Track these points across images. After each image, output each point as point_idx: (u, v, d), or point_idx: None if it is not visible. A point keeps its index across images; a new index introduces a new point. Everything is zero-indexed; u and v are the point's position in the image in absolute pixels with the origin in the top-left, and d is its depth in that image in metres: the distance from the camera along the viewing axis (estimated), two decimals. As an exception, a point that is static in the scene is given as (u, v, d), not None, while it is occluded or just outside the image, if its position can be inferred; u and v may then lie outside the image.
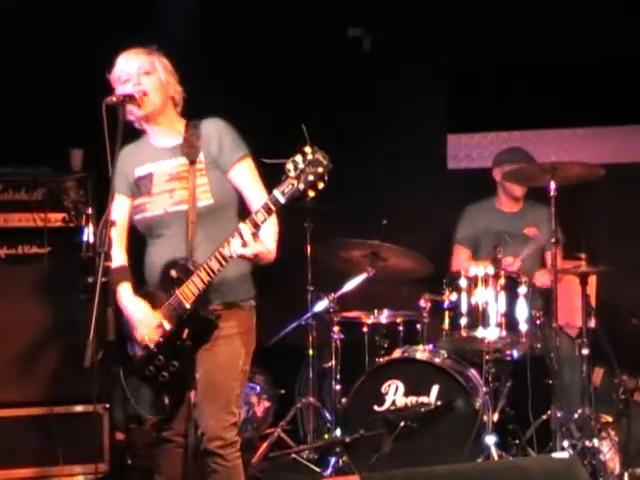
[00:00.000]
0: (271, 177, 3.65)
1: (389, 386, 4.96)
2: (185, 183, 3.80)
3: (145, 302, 3.81)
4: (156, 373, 3.78)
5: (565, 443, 4.79)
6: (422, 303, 5.28)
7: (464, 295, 5.05)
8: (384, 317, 5.55)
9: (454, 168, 6.53)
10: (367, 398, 4.98)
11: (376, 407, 4.96)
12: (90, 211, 3.63)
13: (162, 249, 3.83)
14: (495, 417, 5.00)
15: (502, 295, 5.00)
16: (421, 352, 5.13)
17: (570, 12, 5.99)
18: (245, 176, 3.86)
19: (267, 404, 5.94)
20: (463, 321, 5.04)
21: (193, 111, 3.99)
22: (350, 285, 5.42)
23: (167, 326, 3.75)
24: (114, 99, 3.74)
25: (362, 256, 5.43)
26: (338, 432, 5.13)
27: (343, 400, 5.19)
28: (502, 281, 5.02)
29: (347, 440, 4.94)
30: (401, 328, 5.49)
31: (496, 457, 4.79)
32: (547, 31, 6.04)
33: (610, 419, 5.12)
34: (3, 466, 4.93)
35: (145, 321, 3.77)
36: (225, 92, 6.00)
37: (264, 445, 5.38)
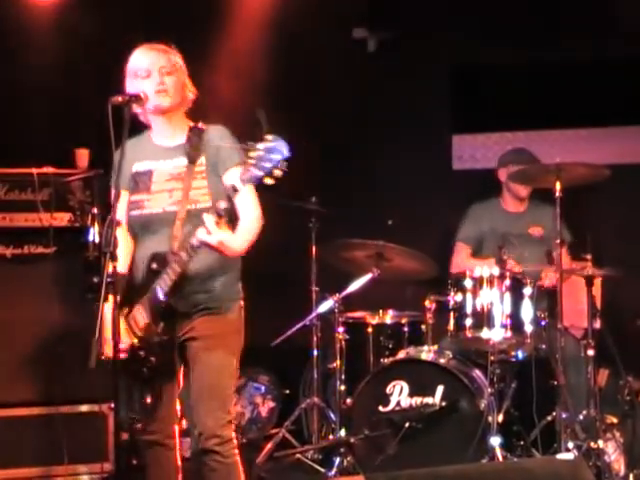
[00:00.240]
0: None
1: (394, 387, 4.96)
2: (189, 185, 3.83)
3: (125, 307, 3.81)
4: (139, 369, 3.79)
5: (570, 444, 4.78)
6: (427, 304, 5.28)
7: (469, 296, 5.04)
8: (389, 318, 5.55)
9: (459, 169, 6.53)
10: (372, 399, 4.99)
11: (381, 408, 4.96)
12: (96, 211, 3.63)
13: (153, 245, 3.84)
14: (500, 418, 4.99)
15: (507, 296, 5.00)
16: (426, 353, 5.13)
17: (574, 13, 5.98)
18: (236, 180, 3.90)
19: (272, 404, 5.94)
20: (468, 322, 5.03)
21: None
22: (355, 286, 5.42)
23: (146, 319, 3.76)
24: (119, 99, 3.76)
25: (367, 257, 5.43)
26: (343, 432, 5.13)
27: (348, 400, 5.19)
28: (507, 282, 5.01)
29: (352, 440, 4.95)
30: (406, 329, 5.49)
31: (501, 458, 4.79)
32: (551, 32, 6.03)
33: (615, 420, 5.10)
34: (8, 465, 4.93)
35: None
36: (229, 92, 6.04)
37: (269, 445, 5.39)
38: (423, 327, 5.33)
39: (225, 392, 3.88)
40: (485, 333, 4.99)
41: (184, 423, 4.05)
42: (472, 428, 4.80)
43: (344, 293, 5.44)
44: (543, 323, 5.09)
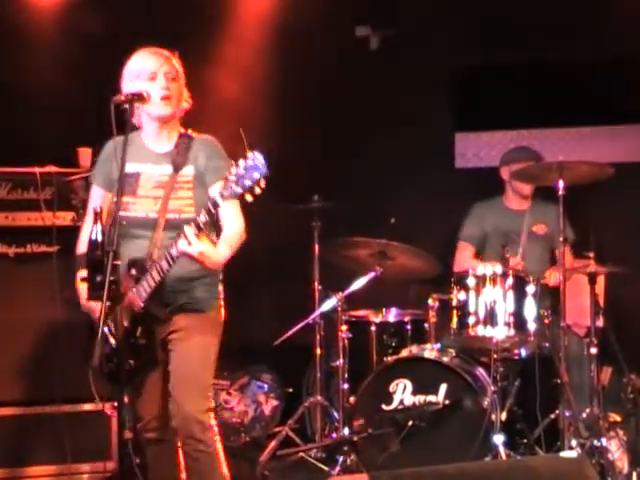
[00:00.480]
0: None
1: (397, 385, 4.96)
2: (170, 193, 3.88)
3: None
4: (115, 370, 3.78)
5: (573, 442, 4.77)
6: (430, 302, 5.28)
7: (472, 294, 5.04)
8: (392, 316, 5.55)
9: (462, 167, 6.53)
10: (375, 397, 4.99)
11: (384, 406, 4.96)
12: (98, 210, 3.63)
13: (133, 248, 3.88)
14: (503, 416, 4.99)
15: (510, 294, 5.00)
16: (429, 351, 5.13)
17: (576, 12, 5.97)
18: None
19: (275, 403, 5.94)
20: (471, 320, 5.03)
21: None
22: (358, 284, 5.41)
23: (124, 324, 3.79)
24: (122, 98, 3.77)
25: (370, 255, 5.43)
26: (346, 431, 5.13)
27: (351, 399, 5.20)
28: (510, 280, 5.01)
29: (355, 439, 4.94)
30: (409, 327, 5.49)
31: (504, 456, 4.79)
32: (555, 30, 6.03)
33: (618, 418, 5.11)
34: (12, 465, 4.93)
35: None
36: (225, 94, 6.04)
37: (272, 444, 5.38)
38: (426, 325, 5.33)
39: (204, 380, 3.93)
40: (488, 331, 4.99)
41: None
42: (475, 426, 4.80)
43: (347, 291, 5.43)
44: (546, 321, 5.08)
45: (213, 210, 3.64)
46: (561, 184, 4.89)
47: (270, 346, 5.58)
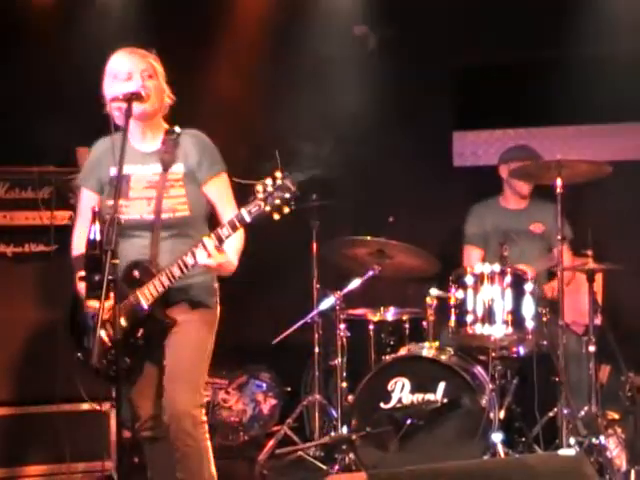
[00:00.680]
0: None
1: (395, 383, 4.97)
2: (162, 192, 3.87)
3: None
4: (107, 367, 3.80)
5: (572, 440, 4.78)
6: (428, 300, 5.28)
7: (470, 292, 5.04)
8: (390, 315, 5.55)
9: (460, 166, 6.53)
10: (373, 396, 4.99)
11: (382, 405, 4.96)
12: (96, 209, 3.63)
13: (131, 249, 3.88)
14: (501, 414, 4.99)
15: (508, 292, 4.99)
16: (427, 349, 5.13)
17: (575, 11, 5.97)
18: (219, 190, 3.97)
19: (273, 401, 5.95)
20: (469, 318, 5.02)
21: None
22: (356, 283, 5.41)
23: (123, 323, 3.78)
24: (120, 97, 3.77)
25: (368, 254, 5.43)
26: (344, 429, 5.13)
27: (349, 397, 5.20)
28: (508, 278, 5.01)
29: (353, 438, 4.95)
30: (407, 325, 5.50)
31: (502, 454, 4.79)
32: (553, 29, 6.03)
33: (617, 416, 5.11)
34: (10, 464, 4.93)
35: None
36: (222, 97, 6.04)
37: (270, 442, 5.39)
38: (424, 324, 5.33)
39: (198, 375, 3.93)
40: (486, 329, 4.98)
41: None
42: (474, 425, 4.80)
43: (345, 290, 5.44)
44: (544, 319, 5.08)
45: (239, 225, 3.65)
46: (559, 182, 4.89)
47: (268, 345, 5.58)
